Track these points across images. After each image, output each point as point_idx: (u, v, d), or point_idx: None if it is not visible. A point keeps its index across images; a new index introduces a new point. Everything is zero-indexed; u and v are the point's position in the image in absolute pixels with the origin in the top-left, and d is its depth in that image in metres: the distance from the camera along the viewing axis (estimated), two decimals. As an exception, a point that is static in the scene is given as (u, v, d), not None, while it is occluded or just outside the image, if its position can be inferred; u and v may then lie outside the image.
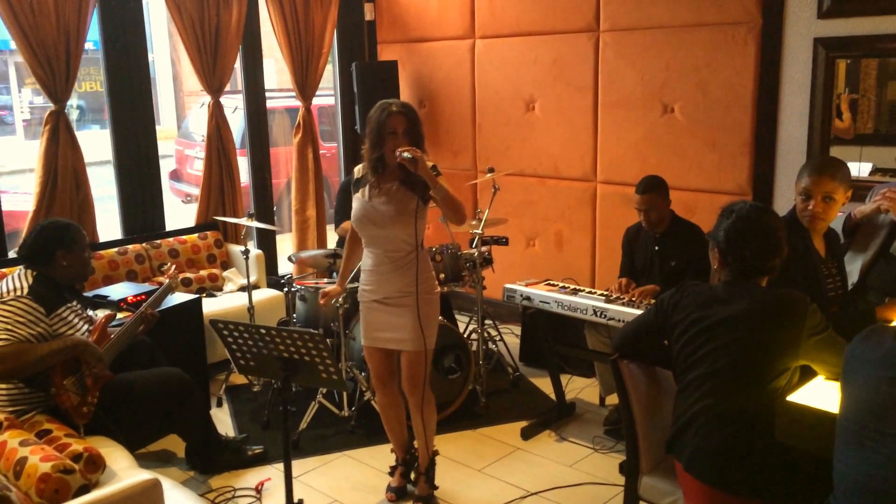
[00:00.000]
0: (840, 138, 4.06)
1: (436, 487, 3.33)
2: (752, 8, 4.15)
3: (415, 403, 3.13)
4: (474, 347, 4.24)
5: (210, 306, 4.50)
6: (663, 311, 2.45)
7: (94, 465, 2.57)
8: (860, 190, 3.42)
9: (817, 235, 2.87)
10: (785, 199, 4.14)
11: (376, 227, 3.00)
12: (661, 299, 2.49)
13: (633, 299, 3.61)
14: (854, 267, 3.23)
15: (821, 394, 2.17)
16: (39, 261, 3.11)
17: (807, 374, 2.29)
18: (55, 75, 4.31)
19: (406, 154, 2.80)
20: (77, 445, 2.61)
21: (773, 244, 2.31)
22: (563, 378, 4.23)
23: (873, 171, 4.01)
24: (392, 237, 3.00)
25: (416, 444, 3.35)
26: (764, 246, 2.30)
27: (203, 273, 4.91)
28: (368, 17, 5.91)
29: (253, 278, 4.51)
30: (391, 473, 3.40)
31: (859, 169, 3.99)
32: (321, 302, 3.38)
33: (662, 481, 2.57)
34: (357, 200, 3.05)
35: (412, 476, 3.37)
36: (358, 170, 3.11)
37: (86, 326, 3.21)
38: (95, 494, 2.35)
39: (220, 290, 4.94)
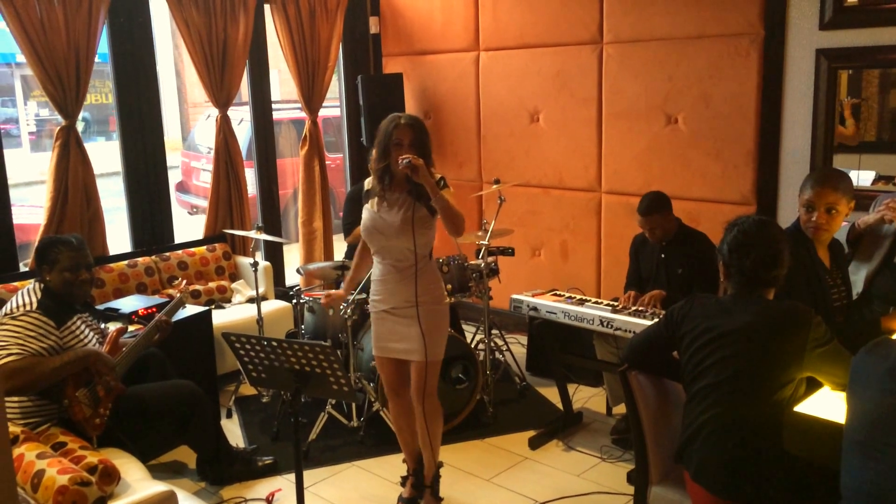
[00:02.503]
0: (844, 145, 4.08)
1: (441, 500, 3.35)
2: (754, 20, 4.19)
3: (419, 412, 3.17)
4: (481, 357, 4.27)
5: (219, 318, 4.53)
6: (673, 322, 2.48)
7: (110, 478, 2.60)
8: (863, 199, 3.45)
9: (821, 246, 2.90)
10: (789, 209, 4.17)
11: (383, 237, 3.06)
12: (671, 311, 2.52)
13: (642, 307, 3.64)
14: (858, 277, 3.25)
15: (829, 404, 2.20)
16: (36, 274, 3.19)
17: (813, 386, 2.32)
18: (65, 91, 4.35)
19: (405, 160, 2.88)
20: (92, 458, 2.64)
21: (773, 255, 2.34)
22: (570, 387, 4.25)
23: (876, 180, 4.03)
24: (396, 247, 3.05)
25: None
26: (763, 257, 2.33)
27: (212, 285, 4.94)
28: (374, 30, 5.96)
29: (261, 290, 4.55)
30: (402, 483, 3.42)
31: (858, 177, 4.01)
32: (322, 302, 3.43)
33: (672, 491, 2.59)
34: (366, 211, 3.12)
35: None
36: (368, 181, 3.18)
37: (96, 338, 3.25)
38: (113, 506, 2.38)
39: (229, 301, 4.97)
